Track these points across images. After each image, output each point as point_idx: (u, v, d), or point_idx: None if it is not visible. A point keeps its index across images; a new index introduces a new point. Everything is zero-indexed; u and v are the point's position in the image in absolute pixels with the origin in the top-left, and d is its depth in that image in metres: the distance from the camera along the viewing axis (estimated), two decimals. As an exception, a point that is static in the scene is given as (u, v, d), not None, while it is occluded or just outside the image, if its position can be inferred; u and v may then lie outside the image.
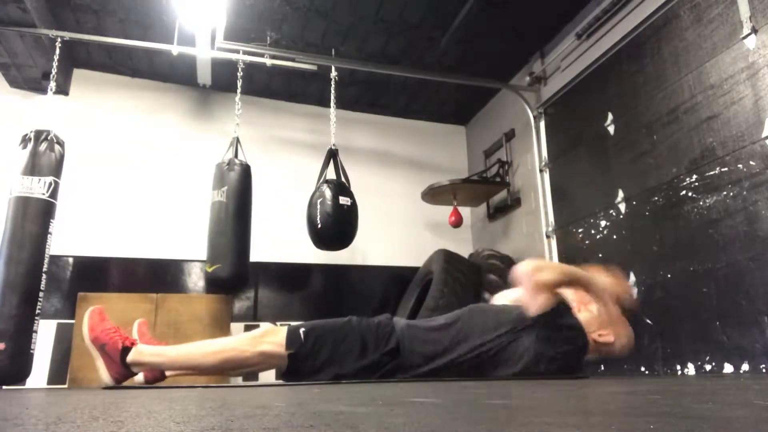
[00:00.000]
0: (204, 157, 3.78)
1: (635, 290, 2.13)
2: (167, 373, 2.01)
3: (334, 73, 3.46)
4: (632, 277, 2.72)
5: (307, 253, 3.51)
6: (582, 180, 3.22)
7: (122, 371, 1.89)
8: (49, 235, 2.66)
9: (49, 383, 3.23)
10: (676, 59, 2.57)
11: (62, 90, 3.56)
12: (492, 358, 1.91)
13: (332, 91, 3.44)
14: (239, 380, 3.45)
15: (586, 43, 3.19)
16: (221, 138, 3.76)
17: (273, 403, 0.93)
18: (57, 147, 2.78)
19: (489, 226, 4.23)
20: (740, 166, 2.20)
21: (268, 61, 3.31)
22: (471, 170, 4.43)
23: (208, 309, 3.41)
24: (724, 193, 2.26)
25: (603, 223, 2.99)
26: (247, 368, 1.96)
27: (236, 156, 3.15)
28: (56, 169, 2.75)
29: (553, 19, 3.37)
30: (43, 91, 3.26)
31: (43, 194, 2.66)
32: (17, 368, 2.53)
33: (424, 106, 4.41)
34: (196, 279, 3.72)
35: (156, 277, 3.65)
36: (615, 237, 2.90)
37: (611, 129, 2.98)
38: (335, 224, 3.12)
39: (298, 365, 1.88)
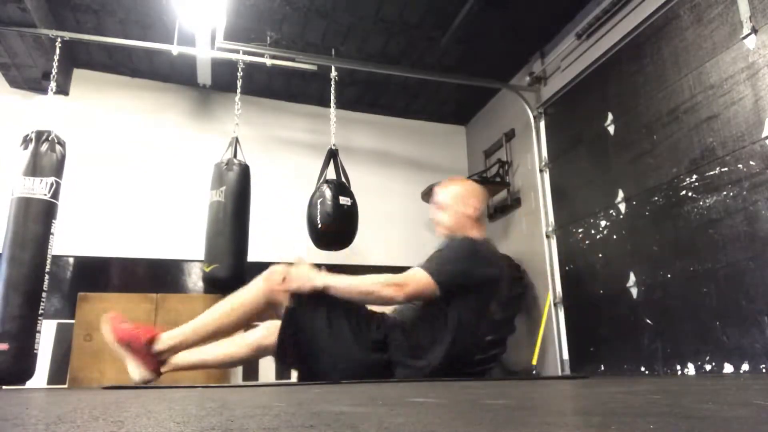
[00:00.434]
0: (204, 157, 3.78)
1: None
2: (179, 362, 1.99)
3: (334, 73, 3.46)
4: (632, 277, 2.73)
5: (307, 253, 3.51)
6: (582, 180, 3.22)
7: (153, 362, 1.90)
8: (51, 236, 2.67)
9: (49, 383, 3.23)
10: (676, 59, 2.57)
11: (62, 90, 3.56)
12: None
13: (332, 91, 3.44)
14: (239, 380, 3.45)
15: (586, 43, 3.19)
16: (221, 138, 3.76)
17: (273, 403, 0.93)
18: (58, 147, 2.78)
19: (489, 226, 4.22)
20: (740, 166, 2.20)
21: (268, 61, 3.31)
22: (471, 170, 4.43)
23: (208, 309, 3.40)
24: (724, 193, 2.26)
25: (603, 223, 2.99)
26: (262, 314, 1.98)
27: (235, 156, 3.15)
28: (57, 170, 2.75)
29: (553, 19, 3.37)
30: (43, 91, 3.26)
31: (45, 195, 2.66)
32: (21, 368, 2.54)
33: (424, 106, 4.41)
34: (195, 279, 3.73)
35: (156, 277, 3.65)
36: (615, 237, 2.90)
37: (611, 129, 2.98)
38: (335, 224, 3.12)
39: (298, 311, 1.88)
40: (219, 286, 3.12)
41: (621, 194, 2.86)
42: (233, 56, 3.28)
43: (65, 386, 3.16)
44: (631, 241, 2.79)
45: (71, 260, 3.52)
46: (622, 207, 2.85)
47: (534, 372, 3.24)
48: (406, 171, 4.36)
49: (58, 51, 3.01)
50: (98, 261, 3.57)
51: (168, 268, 3.70)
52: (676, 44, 2.57)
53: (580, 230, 3.18)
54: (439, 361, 1.90)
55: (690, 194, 2.43)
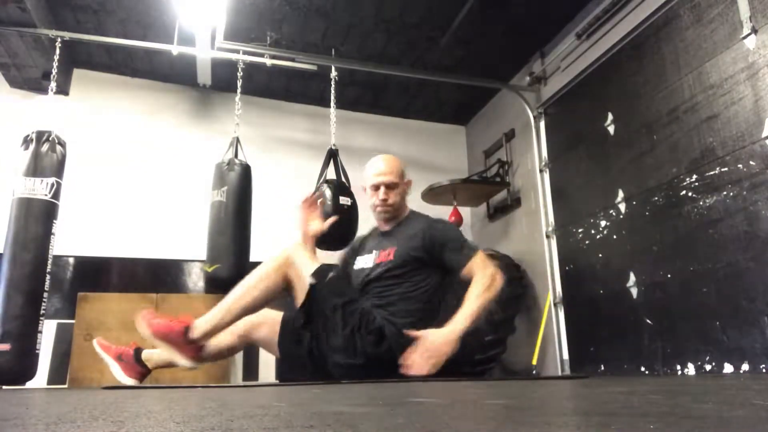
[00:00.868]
0: (204, 157, 3.77)
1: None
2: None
3: (334, 73, 3.46)
4: (632, 277, 2.73)
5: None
6: (582, 180, 3.22)
7: (193, 349, 1.94)
8: (51, 236, 2.67)
9: (49, 383, 3.23)
10: (676, 59, 2.56)
11: (62, 90, 3.56)
12: None
13: (332, 91, 3.44)
14: (239, 380, 3.45)
15: (586, 43, 3.19)
16: (221, 138, 3.76)
17: (273, 403, 0.93)
18: (59, 148, 2.78)
19: (489, 226, 4.23)
20: (740, 166, 2.20)
21: (268, 61, 3.31)
22: (471, 170, 4.43)
23: (208, 309, 3.39)
24: (724, 193, 2.26)
25: (603, 223, 2.99)
26: (279, 293, 2.03)
27: (236, 156, 3.15)
28: (58, 170, 2.76)
29: (553, 19, 3.37)
30: (43, 91, 3.26)
31: (46, 195, 2.67)
32: (23, 368, 2.54)
33: (424, 106, 4.41)
34: (196, 279, 3.73)
35: (156, 277, 3.65)
36: (615, 237, 2.90)
37: (611, 129, 2.98)
38: (335, 224, 3.12)
39: (312, 304, 1.91)
40: (221, 285, 3.12)
41: (621, 194, 2.86)
42: (233, 56, 3.28)
43: (65, 386, 3.16)
44: (631, 241, 2.79)
45: (71, 260, 3.52)
46: (622, 207, 2.85)
47: (534, 372, 3.24)
48: (406, 171, 4.35)
49: (58, 51, 3.01)
50: (98, 261, 3.57)
51: (168, 268, 3.70)
52: (676, 44, 2.57)
53: (580, 230, 3.17)
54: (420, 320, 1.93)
55: (690, 194, 2.43)
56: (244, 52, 3.29)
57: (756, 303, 2.08)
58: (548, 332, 3.32)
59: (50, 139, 2.75)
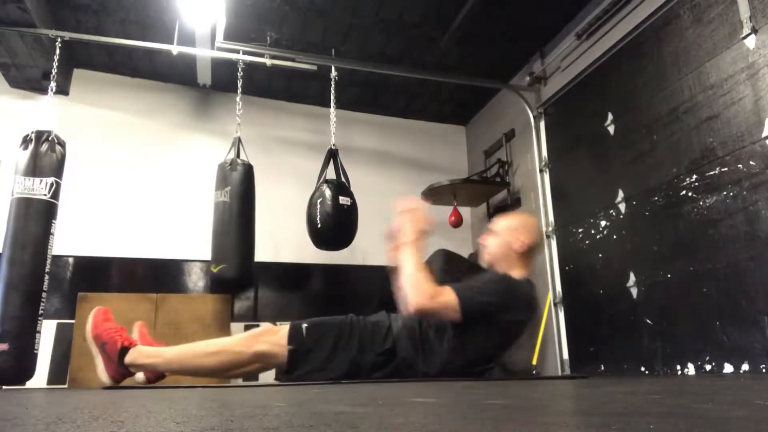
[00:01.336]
0: (203, 157, 3.78)
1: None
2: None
3: (334, 73, 3.46)
4: (632, 277, 2.72)
5: (307, 253, 3.51)
6: (582, 180, 3.22)
7: (120, 371, 1.89)
8: (51, 236, 2.66)
9: (49, 383, 3.23)
10: (676, 59, 2.56)
11: (62, 90, 3.56)
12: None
13: (332, 91, 3.44)
14: (239, 380, 3.45)
15: (586, 43, 3.19)
16: (221, 138, 3.76)
17: (273, 403, 0.93)
18: (58, 147, 2.78)
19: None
20: (740, 166, 2.20)
21: (268, 61, 3.31)
22: (471, 170, 4.43)
23: (209, 309, 3.41)
24: (724, 193, 2.26)
25: (603, 223, 2.99)
26: (244, 369, 1.97)
27: (238, 156, 3.15)
28: (57, 170, 2.75)
29: (553, 19, 3.36)
30: (43, 91, 3.26)
31: (45, 195, 2.66)
32: (21, 368, 2.53)
33: (424, 106, 4.41)
34: (196, 279, 3.73)
35: (156, 277, 3.65)
36: (615, 237, 2.90)
37: (611, 129, 2.98)
38: (335, 224, 3.12)
39: (298, 362, 1.88)
40: (227, 286, 3.14)
41: (621, 194, 2.86)
42: (233, 56, 3.28)
43: (65, 386, 3.16)
44: (631, 241, 2.79)
45: (71, 260, 3.52)
46: (622, 207, 2.85)
47: (534, 372, 3.24)
48: (406, 171, 4.36)
49: (58, 51, 3.01)
50: (98, 261, 3.57)
51: (168, 268, 3.70)
52: (676, 44, 2.57)
53: (580, 230, 3.17)
54: (438, 370, 1.91)
55: (690, 194, 2.43)
56: (244, 52, 3.29)
57: (756, 303, 2.08)
58: (548, 332, 3.32)
59: (49, 138, 2.75)
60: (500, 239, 2.17)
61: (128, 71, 3.86)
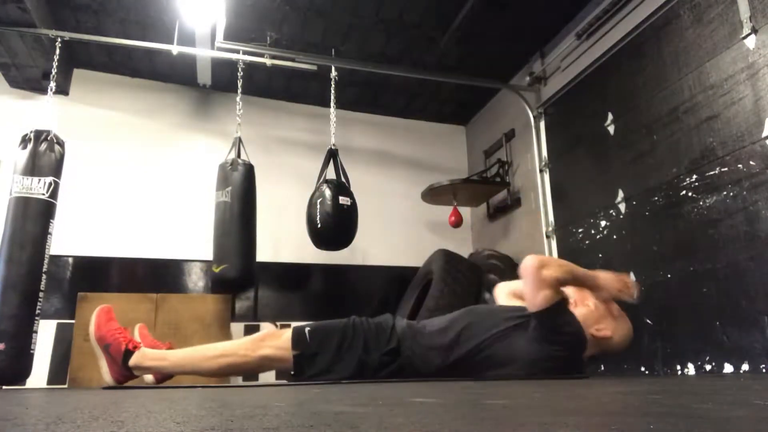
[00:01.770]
0: (203, 157, 3.78)
1: (637, 286, 2.15)
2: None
3: (334, 73, 3.46)
4: (632, 277, 2.72)
5: (307, 253, 3.51)
6: (582, 180, 3.22)
7: (123, 373, 1.89)
8: (49, 236, 2.66)
9: (49, 383, 3.23)
10: (676, 59, 2.56)
11: (62, 90, 3.56)
12: (488, 358, 1.92)
13: (332, 91, 3.44)
14: (239, 380, 3.45)
15: (586, 43, 3.19)
16: (221, 138, 3.77)
17: (273, 403, 0.93)
18: (57, 147, 2.78)
19: (489, 226, 4.23)
20: (740, 166, 2.20)
21: (268, 61, 3.30)
22: (471, 170, 4.43)
23: (209, 309, 3.41)
24: (724, 193, 2.26)
25: (603, 223, 2.99)
26: (248, 372, 1.97)
27: (239, 156, 3.15)
28: (56, 170, 2.75)
29: (553, 19, 3.37)
30: (43, 91, 3.26)
31: (43, 194, 2.66)
32: (17, 368, 2.53)
33: (424, 106, 4.41)
34: (196, 279, 3.73)
35: (156, 277, 3.65)
36: (615, 237, 2.90)
37: (611, 129, 2.98)
38: (335, 224, 3.12)
39: (304, 366, 1.88)
40: (229, 286, 3.14)
41: (621, 194, 2.86)
42: (233, 56, 3.28)
43: (65, 386, 3.16)
44: (631, 241, 2.79)
45: (71, 260, 3.52)
46: (622, 207, 2.85)
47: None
48: (406, 171, 4.36)
49: (58, 51, 3.01)
50: (98, 261, 3.57)
51: (168, 268, 3.70)
52: (676, 44, 2.57)
53: (580, 230, 3.17)
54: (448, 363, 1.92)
55: (690, 194, 2.43)
56: (244, 52, 3.29)
57: (756, 303, 2.08)
58: (548, 332, 3.31)
59: (48, 138, 2.74)
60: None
61: (128, 71, 3.86)
